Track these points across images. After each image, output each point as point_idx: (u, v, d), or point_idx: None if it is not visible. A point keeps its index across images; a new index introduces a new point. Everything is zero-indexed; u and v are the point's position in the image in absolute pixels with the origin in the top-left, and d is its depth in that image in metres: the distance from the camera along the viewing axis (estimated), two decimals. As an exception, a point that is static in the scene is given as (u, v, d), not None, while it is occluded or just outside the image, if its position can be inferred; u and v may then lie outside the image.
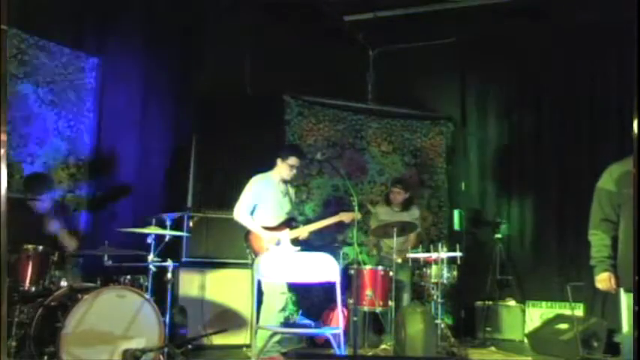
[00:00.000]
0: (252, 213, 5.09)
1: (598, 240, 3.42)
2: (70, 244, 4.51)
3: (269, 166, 5.31)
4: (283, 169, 5.15)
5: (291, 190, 5.34)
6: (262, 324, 4.63)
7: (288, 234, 5.09)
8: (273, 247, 4.99)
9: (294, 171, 5.18)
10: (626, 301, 3.30)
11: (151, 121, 5.95)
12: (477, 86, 7.56)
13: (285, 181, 5.21)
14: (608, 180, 3.42)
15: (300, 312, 5.92)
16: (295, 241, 5.10)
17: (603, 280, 3.38)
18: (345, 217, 5.17)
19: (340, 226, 5.33)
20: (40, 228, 4.47)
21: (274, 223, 5.08)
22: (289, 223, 5.17)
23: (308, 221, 6.20)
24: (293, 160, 5.13)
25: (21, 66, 5.04)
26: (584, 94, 6.90)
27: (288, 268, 4.45)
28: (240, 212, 5.06)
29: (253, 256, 4.90)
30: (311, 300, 6.33)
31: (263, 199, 5.09)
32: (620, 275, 3.33)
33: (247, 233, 5.07)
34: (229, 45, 6.37)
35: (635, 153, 2.62)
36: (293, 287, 5.82)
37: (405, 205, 6.12)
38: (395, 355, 5.11)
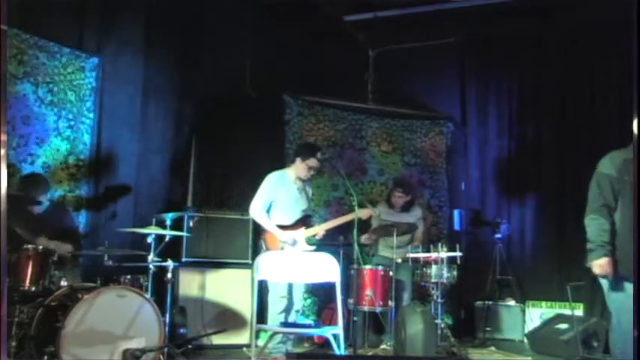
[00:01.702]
0: (268, 211, 5.08)
1: (598, 224, 3.33)
2: (62, 249, 4.47)
3: (269, 165, 5.31)
4: (301, 168, 5.13)
5: (308, 187, 5.33)
6: (263, 324, 4.64)
7: (303, 233, 5.09)
8: (288, 247, 4.99)
9: (312, 172, 5.18)
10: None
11: (151, 121, 5.95)
12: (476, 86, 7.56)
13: (301, 179, 5.21)
14: (610, 165, 3.37)
15: (300, 312, 5.92)
16: (311, 240, 5.10)
17: (601, 265, 3.29)
18: (361, 213, 5.11)
19: (340, 226, 5.32)
20: (34, 229, 4.46)
21: (290, 221, 5.08)
22: (305, 220, 5.16)
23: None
24: (313, 162, 5.11)
25: (21, 66, 5.04)
26: (584, 94, 6.90)
27: (288, 268, 4.45)
28: (257, 209, 5.05)
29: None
30: (311, 300, 6.34)
31: (279, 196, 5.08)
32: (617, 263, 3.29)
33: (263, 231, 5.07)
34: (229, 45, 6.36)
35: (635, 153, 2.62)
36: (311, 288, 5.85)
37: (406, 207, 6.12)
38: (395, 355, 5.11)
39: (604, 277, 3.32)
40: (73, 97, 5.42)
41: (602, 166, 3.41)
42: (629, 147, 3.31)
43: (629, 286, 3.21)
